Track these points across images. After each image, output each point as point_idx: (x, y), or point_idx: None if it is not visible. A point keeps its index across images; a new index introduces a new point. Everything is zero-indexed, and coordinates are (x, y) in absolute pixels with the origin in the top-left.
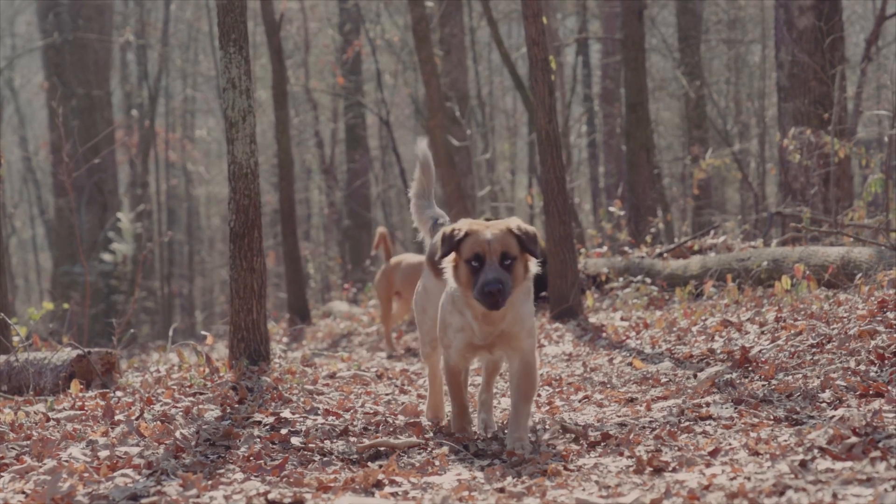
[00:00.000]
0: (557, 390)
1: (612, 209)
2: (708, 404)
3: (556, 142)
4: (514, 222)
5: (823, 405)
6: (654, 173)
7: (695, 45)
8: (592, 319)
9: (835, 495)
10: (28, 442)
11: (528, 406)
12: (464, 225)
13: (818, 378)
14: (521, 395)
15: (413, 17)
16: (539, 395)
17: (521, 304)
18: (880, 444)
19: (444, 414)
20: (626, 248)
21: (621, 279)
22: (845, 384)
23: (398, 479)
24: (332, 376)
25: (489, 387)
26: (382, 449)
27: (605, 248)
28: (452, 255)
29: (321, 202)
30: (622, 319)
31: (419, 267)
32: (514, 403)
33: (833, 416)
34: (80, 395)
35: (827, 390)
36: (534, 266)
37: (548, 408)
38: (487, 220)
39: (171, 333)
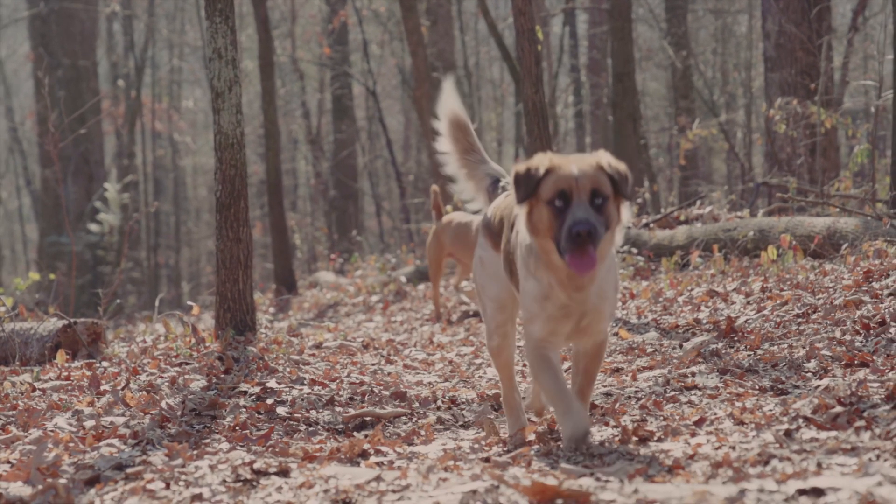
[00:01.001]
0: None
1: None
2: (693, 374)
3: (543, 112)
4: (605, 157)
5: (808, 375)
6: (641, 144)
7: (682, 15)
8: None
9: (819, 464)
10: (14, 412)
11: (591, 387)
12: (542, 160)
13: (803, 348)
14: (587, 378)
15: None
16: (524, 366)
17: (606, 270)
18: (865, 414)
19: (541, 408)
20: None
21: None
22: (830, 354)
23: (384, 448)
24: (318, 346)
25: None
26: (368, 419)
27: None
28: (528, 203)
29: (308, 173)
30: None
31: (469, 226)
32: (579, 385)
33: (818, 386)
34: (66, 365)
35: (812, 360)
36: (627, 214)
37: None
38: None
39: (157, 304)
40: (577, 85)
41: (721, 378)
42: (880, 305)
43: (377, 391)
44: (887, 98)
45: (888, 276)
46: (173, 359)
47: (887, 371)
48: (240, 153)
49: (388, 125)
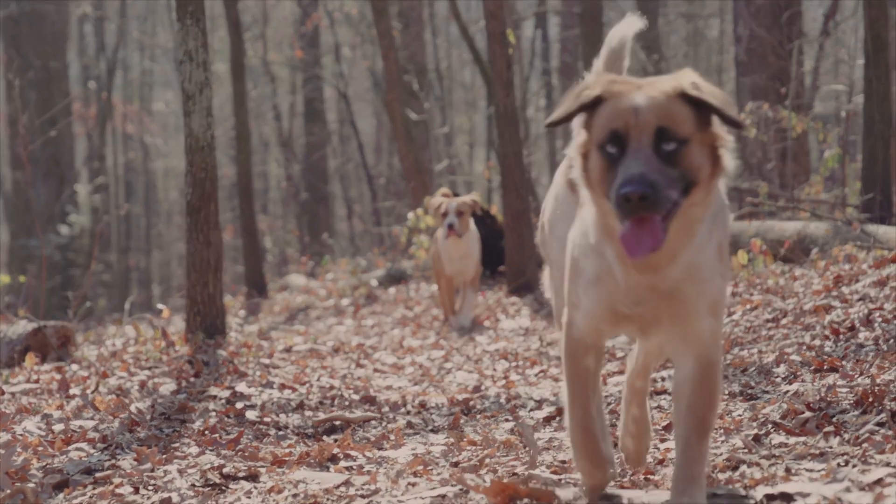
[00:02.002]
0: (514, 365)
1: None
2: (663, 378)
3: (514, 116)
4: (688, 77)
5: (778, 380)
6: None
7: (653, 19)
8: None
9: (788, 470)
10: None
11: (704, 443)
12: (599, 80)
13: (773, 353)
14: (694, 423)
15: None
16: (494, 370)
17: (704, 241)
18: (834, 419)
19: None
20: None
21: None
22: (800, 359)
23: (353, 453)
24: (288, 350)
25: (645, 372)
26: (338, 423)
27: None
28: (581, 139)
29: (279, 175)
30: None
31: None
32: (683, 438)
33: (787, 391)
34: (36, 368)
35: (782, 365)
36: (729, 157)
37: (503, 382)
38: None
39: (127, 307)
40: (549, 89)
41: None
42: (850, 310)
43: (347, 395)
44: (858, 103)
45: (858, 280)
46: (143, 362)
47: (856, 376)
48: (210, 156)
49: (360, 128)
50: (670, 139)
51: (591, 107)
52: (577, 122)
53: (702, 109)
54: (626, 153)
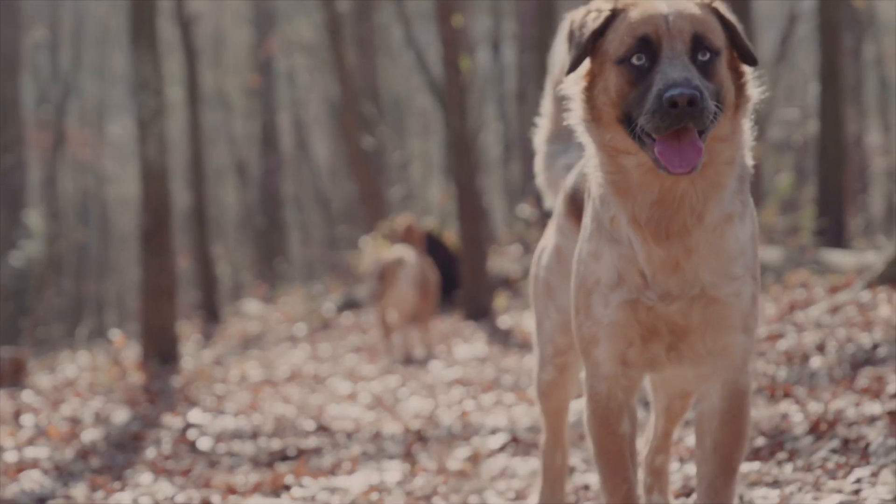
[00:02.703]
0: (469, 392)
1: (523, 209)
2: None
3: (468, 142)
4: None
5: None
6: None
7: None
8: (505, 320)
9: (741, 498)
10: None
11: (731, 486)
12: (602, 3)
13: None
14: (720, 464)
15: (327, 16)
16: (449, 397)
17: (728, 217)
18: (787, 446)
19: None
20: None
21: None
22: (754, 386)
23: (307, 481)
24: (242, 377)
25: (666, 441)
26: (291, 451)
27: (517, 248)
28: (584, 67)
29: (235, 201)
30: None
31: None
32: (707, 480)
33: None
34: None
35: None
36: (754, 88)
37: (458, 410)
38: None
39: (84, 334)
40: (505, 114)
41: (645, 408)
42: (804, 337)
43: (301, 423)
44: (813, 129)
45: (812, 307)
46: (97, 390)
47: (810, 403)
48: (164, 183)
49: (317, 154)
50: (706, 48)
51: (606, 24)
52: (560, 60)
53: (728, 28)
54: (660, 61)
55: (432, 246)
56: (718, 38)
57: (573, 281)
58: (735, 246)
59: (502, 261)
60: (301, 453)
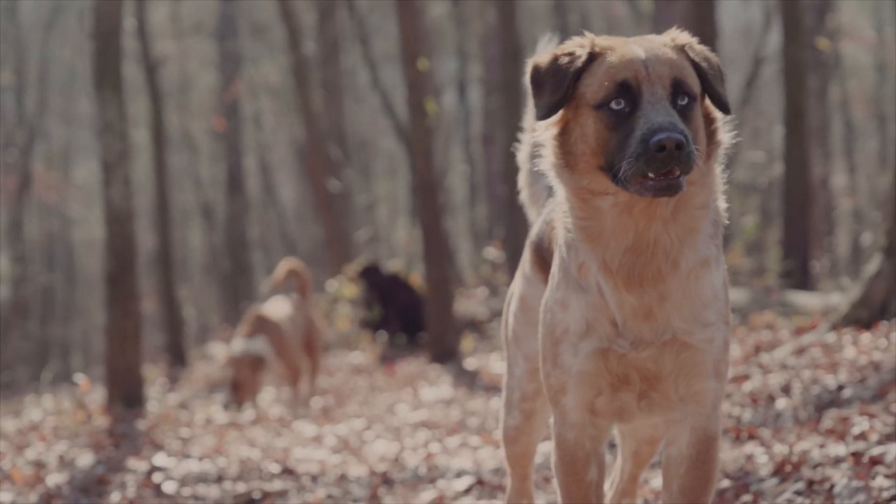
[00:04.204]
0: (434, 435)
1: (489, 252)
2: None
3: (433, 184)
4: (684, 36)
5: None
6: None
7: None
8: (471, 362)
9: None
10: None
11: None
12: (582, 41)
13: None
14: None
15: (293, 59)
16: (415, 440)
17: (703, 262)
18: (752, 488)
19: None
20: (505, 290)
21: (499, 321)
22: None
23: None
24: (207, 421)
25: (632, 486)
26: (256, 495)
27: (483, 290)
28: (557, 114)
29: (201, 244)
30: (500, 361)
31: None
32: None
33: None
34: None
35: None
36: (725, 133)
37: (424, 452)
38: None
39: (48, 377)
40: (471, 156)
41: (610, 450)
42: (769, 378)
43: (266, 467)
44: (778, 171)
45: (777, 348)
46: (62, 434)
47: (775, 445)
48: (129, 226)
49: (283, 196)
50: (685, 93)
51: (581, 69)
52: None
53: (701, 72)
54: (641, 106)
55: (398, 288)
56: (695, 82)
57: (541, 330)
58: (709, 291)
59: (469, 303)
60: (266, 496)
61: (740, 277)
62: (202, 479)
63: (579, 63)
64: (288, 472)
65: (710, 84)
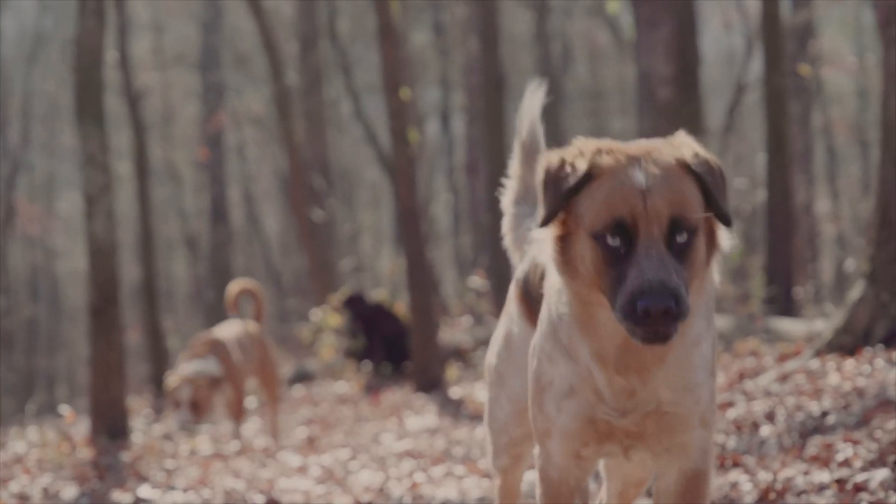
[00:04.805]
0: (419, 464)
1: (474, 280)
2: None
3: (417, 214)
4: (688, 145)
5: None
6: None
7: (558, 113)
8: (456, 391)
9: None
10: None
11: None
12: (585, 148)
13: None
14: None
15: (276, 90)
16: (400, 470)
17: (701, 335)
18: None
19: None
20: (490, 319)
21: (483, 350)
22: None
23: None
24: (192, 452)
25: None
26: None
27: (468, 319)
28: (555, 224)
29: (184, 275)
30: (485, 390)
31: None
32: None
33: None
34: None
35: None
36: (725, 238)
37: (409, 482)
38: (354, 297)
39: (31, 409)
40: (455, 185)
41: (595, 479)
42: (753, 406)
43: (251, 497)
44: (761, 197)
45: (761, 375)
46: (46, 466)
47: (759, 472)
48: (112, 259)
49: (268, 226)
50: (683, 230)
51: (579, 185)
52: (516, 174)
53: (704, 187)
54: (636, 249)
55: (382, 317)
56: (697, 210)
57: (529, 372)
58: (698, 360)
59: (453, 332)
60: None
61: (724, 304)
62: None
63: (572, 182)
64: (273, 503)
65: (714, 200)
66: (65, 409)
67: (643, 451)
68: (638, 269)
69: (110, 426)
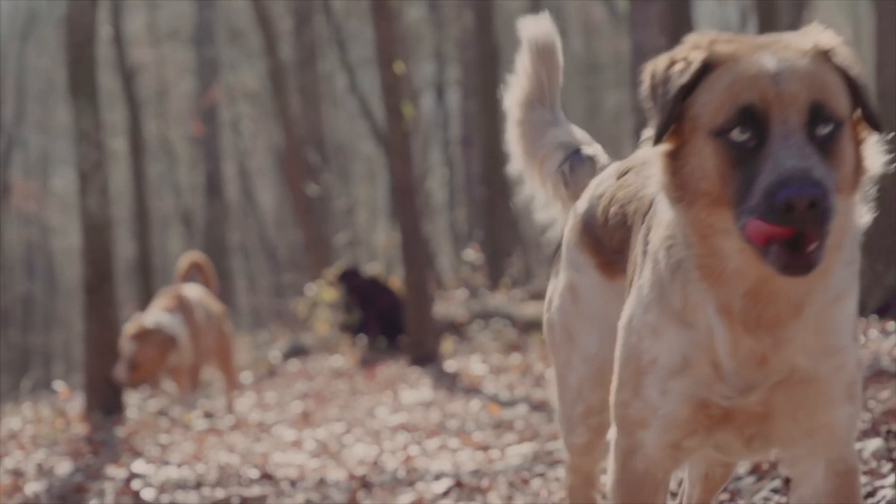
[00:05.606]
0: (414, 437)
1: (469, 254)
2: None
3: (412, 188)
4: (828, 37)
5: None
6: (513, 217)
7: None
8: (451, 364)
9: None
10: None
11: None
12: (699, 42)
13: None
14: None
15: (270, 65)
16: (394, 443)
17: (844, 287)
18: (729, 486)
19: None
20: (484, 292)
21: (479, 323)
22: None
23: None
24: (186, 427)
25: None
26: (235, 500)
27: (463, 292)
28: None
29: (180, 251)
30: (481, 363)
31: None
32: None
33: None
34: None
35: None
36: (876, 153)
37: (403, 455)
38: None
39: (27, 386)
40: (450, 159)
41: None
42: None
43: (245, 472)
44: None
45: None
46: (40, 442)
47: None
48: (106, 235)
49: (263, 201)
50: (826, 119)
51: (691, 83)
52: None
53: (851, 84)
54: (769, 140)
55: (377, 292)
56: (841, 101)
57: (619, 349)
58: (841, 321)
59: (448, 305)
60: (245, 502)
61: None
62: (181, 485)
63: (687, 78)
64: (267, 477)
65: (863, 99)
66: (59, 386)
67: (773, 439)
68: (774, 161)
69: (105, 402)
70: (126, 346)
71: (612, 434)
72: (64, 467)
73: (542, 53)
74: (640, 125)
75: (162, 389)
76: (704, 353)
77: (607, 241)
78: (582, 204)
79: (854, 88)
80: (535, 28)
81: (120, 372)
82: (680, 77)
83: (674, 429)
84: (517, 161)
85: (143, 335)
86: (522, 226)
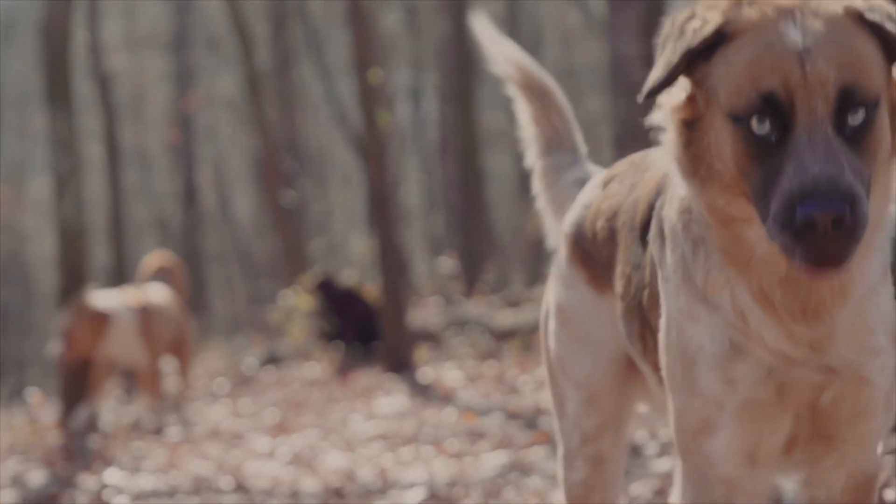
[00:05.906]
0: (388, 446)
1: (445, 261)
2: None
3: (388, 194)
4: None
5: (649, 456)
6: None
7: None
8: (426, 372)
9: None
10: None
11: None
12: (720, 6)
13: (645, 430)
14: None
15: (247, 72)
16: (369, 452)
17: (869, 291)
18: None
19: None
20: (461, 299)
21: (454, 331)
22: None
23: None
24: (159, 434)
25: None
26: None
27: (439, 300)
28: (678, 99)
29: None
30: (456, 371)
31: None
32: None
33: (659, 470)
34: None
35: (652, 441)
36: None
37: (377, 464)
38: (325, 282)
39: (1, 393)
40: (427, 165)
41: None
42: None
43: (219, 481)
44: None
45: None
46: (14, 450)
47: None
48: (81, 241)
49: (240, 208)
50: (858, 104)
51: (706, 49)
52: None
53: (888, 44)
54: (793, 135)
55: (353, 301)
56: (876, 75)
57: (666, 353)
58: (876, 316)
59: (424, 313)
60: None
61: None
62: (154, 494)
63: (697, 42)
64: (241, 487)
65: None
66: (31, 394)
67: (814, 445)
68: (797, 163)
69: (80, 408)
70: (60, 320)
71: (676, 469)
72: (37, 476)
73: (536, 92)
74: (620, 132)
75: (134, 398)
76: (748, 338)
77: (596, 255)
78: (570, 216)
79: (891, 45)
80: (509, 60)
81: (54, 347)
82: (693, 37)
83: (749, 423)
84: (546, 218)
85: (78, 311)
86: (498, 233)
